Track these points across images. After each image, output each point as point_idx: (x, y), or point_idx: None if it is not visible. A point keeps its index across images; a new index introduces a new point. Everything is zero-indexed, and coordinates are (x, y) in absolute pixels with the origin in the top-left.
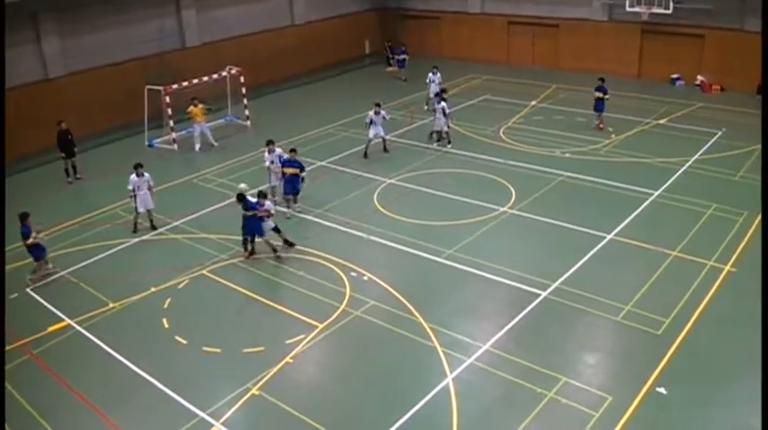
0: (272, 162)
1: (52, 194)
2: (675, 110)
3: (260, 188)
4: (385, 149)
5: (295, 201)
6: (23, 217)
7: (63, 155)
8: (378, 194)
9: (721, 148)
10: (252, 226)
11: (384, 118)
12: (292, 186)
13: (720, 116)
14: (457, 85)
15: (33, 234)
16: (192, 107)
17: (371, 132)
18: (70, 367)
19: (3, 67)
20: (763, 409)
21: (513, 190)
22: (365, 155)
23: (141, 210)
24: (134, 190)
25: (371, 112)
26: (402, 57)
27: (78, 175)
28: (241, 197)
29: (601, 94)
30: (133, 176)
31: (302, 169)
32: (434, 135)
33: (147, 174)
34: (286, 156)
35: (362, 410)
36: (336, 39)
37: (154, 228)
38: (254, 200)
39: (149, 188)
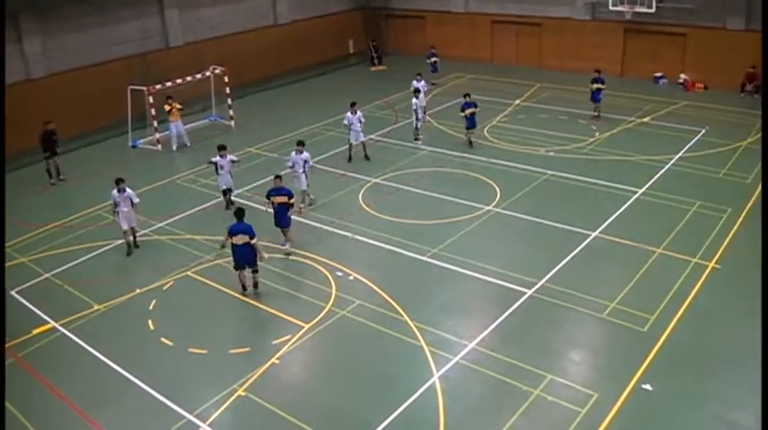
0: (292, 165)
1: (35, 196)
2: (659, 108)
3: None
4: (366, 157)
5: (284, 235)
6: None
7: (47, 155)
8: (363, 194)
9: (705, 146)
10: (244, 252)
11: (360, 120)
12: (284, 217)
13: (704, 114)
14: (441, 84)
15: None
16: (166, 105)
17: (353, 137)
18: (55, 370)
19: (3, 70)
20: (763, 411)
21: (498, 188)
22: (349, 159)
23: (125, 227)
24: (116, 205)
25: (349, 113)
26: (434, 60)
27: (61, 176)
28: (241, 214)
29: (599, 85)
30: (114, 192)
31: (291, 197)
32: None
33: (129, 190)
34: (302, 161)
35: (349, 410)
36: (320, 38)
37: (136, 246)
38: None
39: (132, 205)
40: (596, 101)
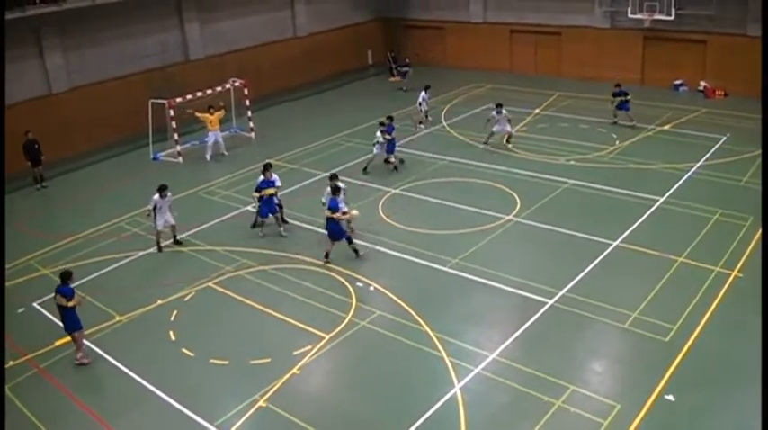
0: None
1: (58, 208)
2: (679, 116)
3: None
4: (395, 168)
5: (282, 221)
6: (66, 276)
7: (31, 163)
8: (382, 204)
9: (726, 154)
10: (331, 229)
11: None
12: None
13: (724, 121)
14: (461, 94)
15: (76, 298)
16: (207, 114)
17: (376, 150)
18: (77, 381)
19: (3, 74)
20: (763, 411)
21: (519, 198)
22: (365, 170)
23: (160, 227)
24: (154, 209)
25: (378, 132)
26: (405, 69)
27: (44, 183)
28: (336, 189)
29: (622, 98)
30: (156, 196)
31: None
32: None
33: (169, 194)
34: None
35: (370, 421)
36: (339, 50)
37: (178, 242)
38: (338, 202)
39: (170, 207)
40: (625, 109)
